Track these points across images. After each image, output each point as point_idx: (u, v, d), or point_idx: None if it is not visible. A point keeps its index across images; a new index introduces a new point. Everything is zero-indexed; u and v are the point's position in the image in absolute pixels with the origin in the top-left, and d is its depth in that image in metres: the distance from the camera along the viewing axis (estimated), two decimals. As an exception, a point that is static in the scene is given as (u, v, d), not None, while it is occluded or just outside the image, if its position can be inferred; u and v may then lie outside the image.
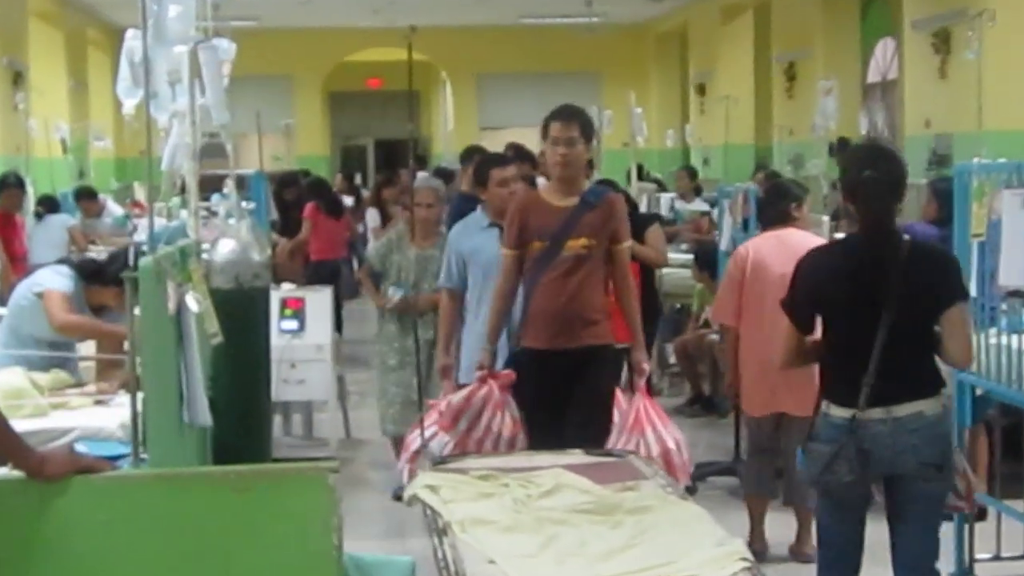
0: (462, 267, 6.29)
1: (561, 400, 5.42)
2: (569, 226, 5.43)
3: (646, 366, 5.65)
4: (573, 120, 5.44)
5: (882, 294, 4.21)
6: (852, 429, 4.24)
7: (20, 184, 11.78)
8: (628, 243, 5.64)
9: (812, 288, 4.39)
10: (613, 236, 5.52)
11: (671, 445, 5.34)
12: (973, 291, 5.42)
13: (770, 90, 18.33)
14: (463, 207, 8.22)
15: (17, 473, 3.17)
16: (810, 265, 4.46)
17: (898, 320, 4.21)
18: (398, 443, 7.02)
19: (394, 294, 7.33)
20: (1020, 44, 10.86)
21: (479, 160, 7.30)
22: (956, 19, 11.83)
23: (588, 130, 5.47)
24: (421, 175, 9.24)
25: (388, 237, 7.66)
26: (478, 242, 6.25)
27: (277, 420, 8.23)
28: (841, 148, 13.76)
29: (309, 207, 12.68)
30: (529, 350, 5.47)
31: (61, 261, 6.43)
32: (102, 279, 6.06)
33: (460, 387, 5.83)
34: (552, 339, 5.43)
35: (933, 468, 4.29)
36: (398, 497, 6.87)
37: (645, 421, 5.38)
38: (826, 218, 10.11)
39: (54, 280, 6.00)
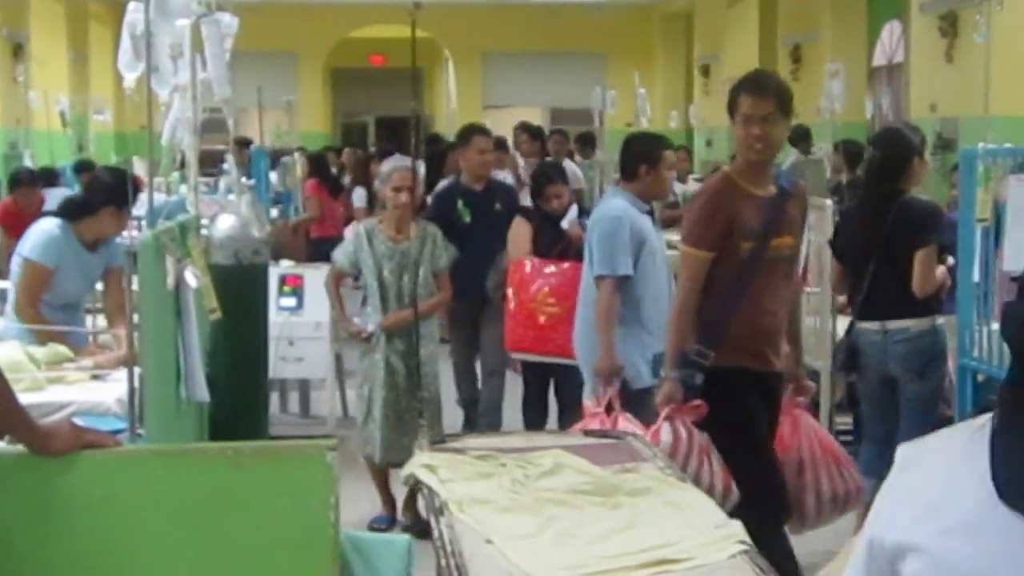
0: (637, 253, 5.67)
1: (756, 428, 4.72)
2: (774, 221, 4.66)
3: (811, 384, 5.16)
4: (767, 93, 4.63)
5: (873, 239, 5.57)
6: (849, 333, 5.80)
7: (33, 182, 11.28)
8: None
9: (838, 233, 6.06)
10: (802, 232, 4.92)
11: (852, 486, 4.95)
12: (976, 276, 5.42)
13: (776, 72, 18.24)
14: (451, 195, 7.51)
15: (18, 447, 3.15)
16: (841, 217, 6.34)
17: (884, 258, 5.60)
18: (379, 471, 6.44)
19: (365, 324, 6.46)
20: (1028, 29, 10.79)
21: (644, 141, 6.23)
22: (964, 2, 11.76)
23: (786, 102, 4.65)
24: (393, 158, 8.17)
25: (357, 232, 6.64)
26: (647, 227, 5.75)
27: (273, 397, 8.21)
28: (799, 135, 13.80)
29: (311, 184, 12.66)
30: (735, 369, 4.67)
31: (43, 214, 6.27)
32: (91, 208, 5.89)
33: (624, 395, 5.34)
34: (763, 360, 4.71)
35: (915, 373, 5.59)
36: (374, 528, 6.21)
37: (829, 453, 4.94)
38: (829, 201, 10.06)
39: (35, 242, 5.85)
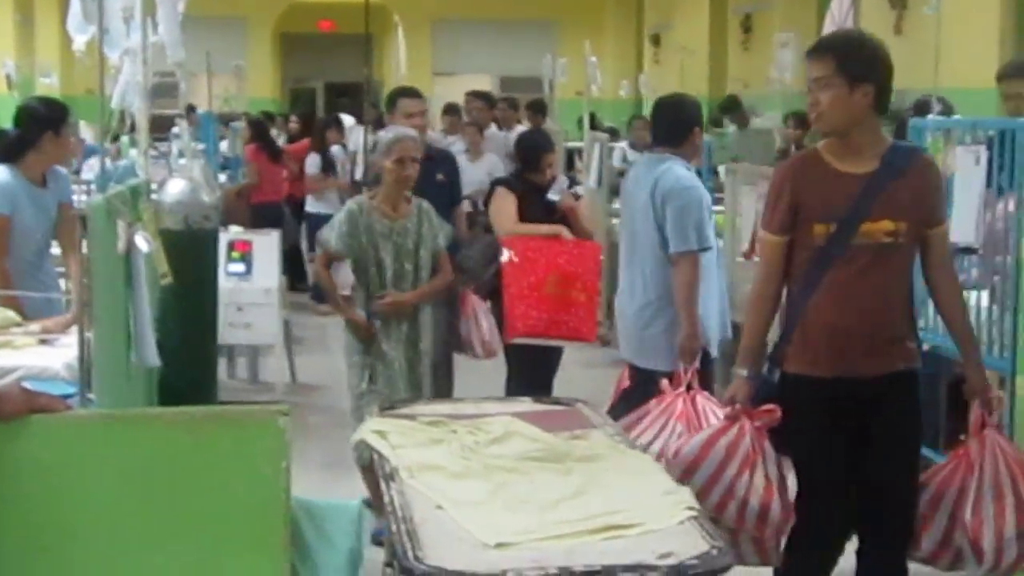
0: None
1: (847, 445, 4.15)
2: (866, 202, 4.00)
3: (998, 393, 4.37)
4: (824, 54, 4.07)
5: None
6: None
7: None
8: (946, 225, 4.23)
9: None
10: (929, 216, 4.14)
11: None
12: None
13: (726, 42, 18.31)
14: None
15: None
16: None
17: None
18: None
19: (363, 316, 5.79)
20: (978, 1, 10.88)
21: (688, 104, 5.95)
22: (913, -26, 11.84)
23: (855, 66, 4.05)
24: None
25: (349, 210, 5.82)
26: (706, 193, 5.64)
27: (222, 363, 8.19)
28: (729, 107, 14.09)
29: (251, 149, 12.64)
30: (802, 378, 4.10)
31: None
32: (30, 141, 5.74)
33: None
34: (840, 365, 4.07)
35: None
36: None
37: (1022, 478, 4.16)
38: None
39: None
